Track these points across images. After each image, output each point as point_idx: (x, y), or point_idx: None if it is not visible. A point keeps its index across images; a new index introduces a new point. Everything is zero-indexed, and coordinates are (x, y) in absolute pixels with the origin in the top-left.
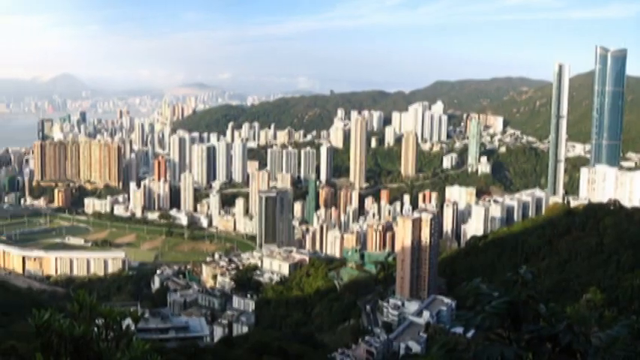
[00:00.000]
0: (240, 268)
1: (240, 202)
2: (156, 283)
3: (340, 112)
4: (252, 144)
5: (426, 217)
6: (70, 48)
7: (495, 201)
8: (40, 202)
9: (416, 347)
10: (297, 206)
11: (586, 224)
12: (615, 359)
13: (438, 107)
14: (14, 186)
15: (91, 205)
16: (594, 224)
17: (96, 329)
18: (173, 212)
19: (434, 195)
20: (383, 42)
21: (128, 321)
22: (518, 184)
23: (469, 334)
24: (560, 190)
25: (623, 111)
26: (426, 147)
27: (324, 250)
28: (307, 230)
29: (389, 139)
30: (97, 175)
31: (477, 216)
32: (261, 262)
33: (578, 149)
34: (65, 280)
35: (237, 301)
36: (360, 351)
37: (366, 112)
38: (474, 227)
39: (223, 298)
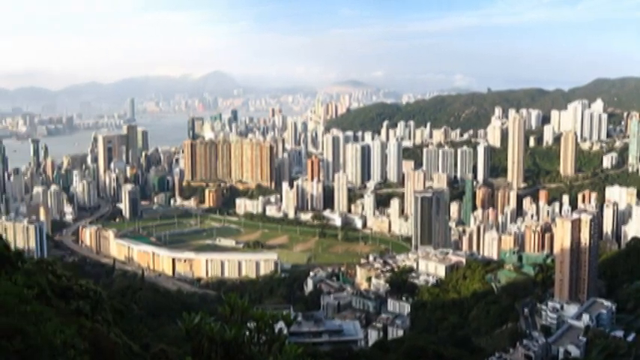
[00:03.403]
0: (395, 270)
1: (395, 203)
2: (309, 286)
3: (497, 111)
4: (407, 143)
5: (586, 218)
6: (221, 45)
7: None
8: (191, 203)
9: (575, 351)
10: (454, 207)
11: None
12: None
13: (598, 105)
14: (164, 186)
15: (243, 205)
16: None
17: (247, 333)
18: (326, 213)
19: (593, 195)
20: (541, 39)
21: (280, 324)
22: None
23: (630, 338)
24: None
25: None
26: (585, 146)
27: (481, 252)
28: (464, 231)
29: (547, 138)
30: (248, 175)
31: (638, 217)
32: (417, 264)
33: None
34: (216, 282)
35: (392, 304)
36: (518, 355)
37: (524, 111)
38: (634, 228)
39: (378, 301)
